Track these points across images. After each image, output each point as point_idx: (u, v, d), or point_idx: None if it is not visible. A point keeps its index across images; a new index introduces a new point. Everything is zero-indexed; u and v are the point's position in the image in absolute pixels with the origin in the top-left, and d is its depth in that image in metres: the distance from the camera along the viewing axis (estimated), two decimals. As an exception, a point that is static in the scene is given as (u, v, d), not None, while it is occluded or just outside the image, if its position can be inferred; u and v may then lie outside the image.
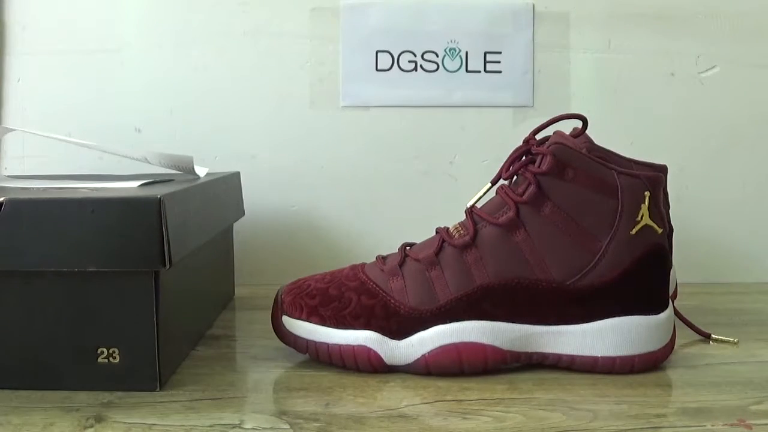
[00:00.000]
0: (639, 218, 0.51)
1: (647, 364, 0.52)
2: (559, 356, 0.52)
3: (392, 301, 0.53)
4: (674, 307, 0.63)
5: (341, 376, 0.52)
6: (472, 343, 0.51)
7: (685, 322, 0.62)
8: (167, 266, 0.47)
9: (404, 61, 0.83)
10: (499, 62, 0.83)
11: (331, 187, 0.84)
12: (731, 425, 0.43)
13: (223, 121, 0.83)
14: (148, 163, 0.67)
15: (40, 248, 0.46)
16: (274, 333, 0.55)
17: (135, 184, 0.56)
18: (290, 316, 0.54)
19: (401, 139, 0.84)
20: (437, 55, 0.83)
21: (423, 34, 0.83)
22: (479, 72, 0.83)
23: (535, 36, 0.83)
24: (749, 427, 0.43)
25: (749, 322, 0.67)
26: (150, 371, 0.48)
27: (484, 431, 0.43)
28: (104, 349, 0.48)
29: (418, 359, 0.52)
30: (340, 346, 0.52)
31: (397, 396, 0.48)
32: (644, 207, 0.51)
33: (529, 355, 0.53)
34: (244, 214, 0.77)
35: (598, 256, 0.52)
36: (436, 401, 0.47)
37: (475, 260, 0.53)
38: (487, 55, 0.83)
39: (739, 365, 0.55)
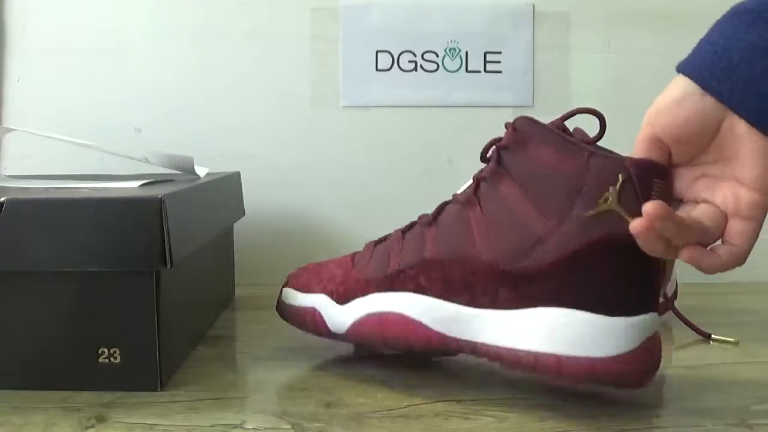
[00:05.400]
0: (602, 201, 0.44)
1: (580, 372, 0.44)
2: (487, 348, 0.47)
3: (353, 270, 0.53)
4: (674, 307, 0.63)
5: (342, 377, 0.52)
6: (395, 314, 0.49)
7: (685, 322, 0.62)
8: (168, 266, 0.47)
9: (404, 61, 0.83)
10: (499, 62, 0.83)
11: (331, 187, 0.84)
12: (731, 425, 0.43)
13: (223, 121, 0.83)
14: (149, 163, 0.67)
15: (41, 248, 0.46)
16: (274, 333, 0.55)
17: (135, 184, 0.56)
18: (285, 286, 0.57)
19: (401, 139, 0.84)
20: (437, 55, 0.83)
21: (423, 34, 0.83)
22: (479, 72, 0.83)
23: (535, 36, 0.83)
24: (750, 427, 0.43)
25: (749, 322, 0.67)
26: (151, 371, 0.48)
27: (484, 431, 0.43)
28: (105, 350, 0.48)
29: (348, 328, 0.51)
30: (298, 307, 0.54)
31: (398, 396, 0.48)
32: (613, 191, 0.44)
33: (458, 343, 0.48)
34: (244, 214, 0.77)
35: (540, 237, 0.46)
36: (437, 401, 0.47)
37: (431, 236, 0.50)
38: (487, 55, 0.83)
39: (739, 365, 0.55)
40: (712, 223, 0.43)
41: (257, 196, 0.81)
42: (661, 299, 0.58)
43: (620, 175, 0.44)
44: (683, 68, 0.43)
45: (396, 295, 0.50)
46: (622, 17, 0.83)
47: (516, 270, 0.46)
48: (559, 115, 0.49)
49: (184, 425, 0.43)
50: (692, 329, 0.61)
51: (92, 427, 0.43)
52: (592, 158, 0.45)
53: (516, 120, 0.49)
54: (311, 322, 0.53)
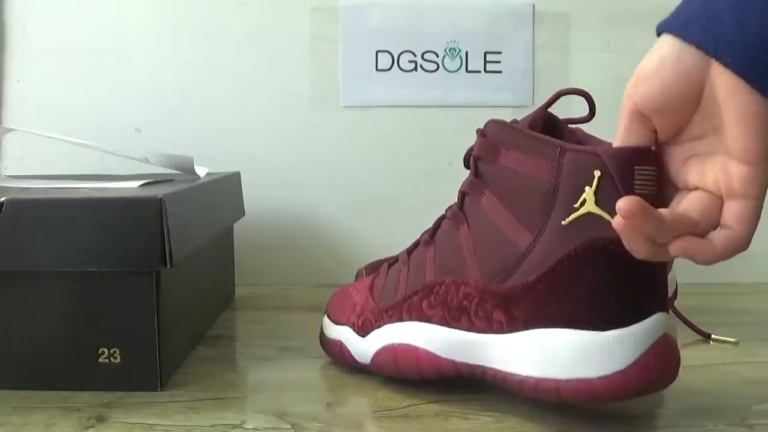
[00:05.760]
0: (578, 205, 0.40)
1: (581, 395, 0.41)
2: (495, 372, 0.44)
3: (370, 298, 0.52)
4: (674, 307, 0.63)
5: (342, 377, 0.52)
6: (405, 345, 0.48)
7: (685, 322, 0.62)
8: (168, 266, 0.47)
9: (404, 61, 0.83)
10: (499, 62, 0.83)
11: (331, 187, 0.84)
12: (731, 425, 0.43)
13: (223, 121, 0.83)
14: (149, 163, 0.67)
15: (41, 248, 0.46)
16: (274, 333, 0.55)
17: (136, 184, 0.56)
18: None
19: (401, 139, 0.84)
20: (437, 55, 0.83)
21: (423, 34, 0.83)
22: (479, 72, 0.83)
23: (535, 36, 0.83)
24: (750, 427, 0.43)
25: (749, 322, 0.67)
26: (151, 371, 0.48)
27: (484, 431, 0.43)
28: (105, 350, 0.48)
29: (370, 361, 0.50)
30: (330, 339, 0.54)
31: (399, 396, 0.48)
32: (589, 191, 0.40)
33: (471, 368, 0.45)
34: (244, 214, 0.77)
35: (523, 254, 0.42)
36: (437, 401, 0.47)
37: (431, 256, 0.48)
38: (487, 55, 0.83)
39: (739, 365, 0.55)
40: (704, 213, 0.38)
41: (257, 196, 0.81)
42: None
43: (596, 172, 0.40)
44: (664, 25, 0.39)
45: (404, 325, 0.48)
46: (622, 17, 0.83)
47: (504, 290, 0.43)
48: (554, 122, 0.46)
49: (184, 425, 0.43)
50: (692, 329, 0.61)
51: (92, 427, 0.43)
52: (564, 156, 0.41)
53: (486, 125, 0.46)
54: (339, 354, 0.53)
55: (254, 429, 0.43)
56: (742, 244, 0.38)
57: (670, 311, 0.62)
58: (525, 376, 0.42)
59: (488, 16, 0.83)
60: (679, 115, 0.39)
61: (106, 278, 0.47)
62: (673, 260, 0.42)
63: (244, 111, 0.83)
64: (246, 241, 0.81)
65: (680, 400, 0.48)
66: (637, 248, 0.38)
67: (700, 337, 0.61)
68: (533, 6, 0.83)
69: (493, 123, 0.46)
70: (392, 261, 0.53)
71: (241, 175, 0.78)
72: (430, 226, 0.52)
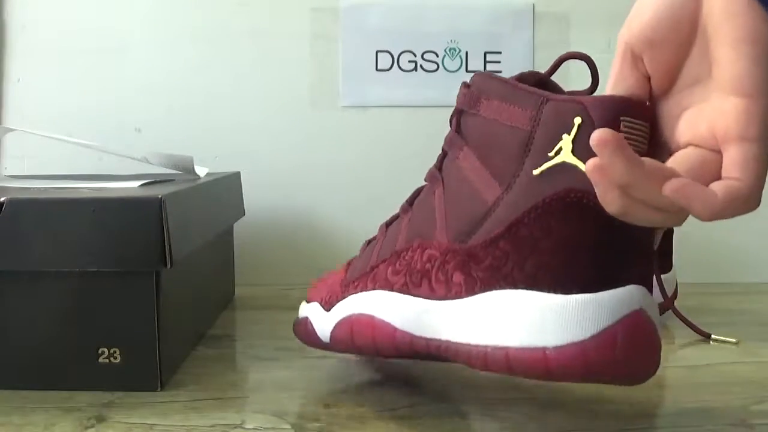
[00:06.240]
0: (553, 153, 0.36)
1: (532, 366, 0.35)
2: (448, 346, 0.39)
3: (344, 273, 0.49)
4: (674, 307, 0.63)
5: (342, 377, 0.52)
6: (363, 316, 0.44)
7: (685, 322, 0.62)
8: (168, 266, 0.47)
9: (404, 61, 0.83)
10: (499, 62, 0.83)
11: (331, 187, 0.84)
12: (731, 425, 0.43)
13: (223, 121, 0.83)
14: (148, 163, 0.67)
15: (41, 248, 0.46)
16: (274, 333, 0.55)
17: (135, 184, 0.56)
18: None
19: (401, 139, 0.84)
20: (437, 55, 0.83)
21: (423, 34, 0.83)
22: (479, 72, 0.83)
23: (535, 36, 0.83)
24: (750, 427, 0.43)
25: (749, 322, 0.67)
26: (151, 371, 0.48)
27: (484, 431, 0.43)
28: (105, 349, 0.48)
29: (329, 336, 0.47)
30: (298, 318, 0.52)
31: (398, 396, 0.48)
32: (567, 139, 0.36)
33: (426, 343, 0.41)
34: (244, 214, 0.77)
35: (490, 207, 0.38)
36: (437, 401, 0.47)
37: (405, 223, 0.45)
38: (487, 55, 0.83)
39: (739, 365, 0.55)
40: (695, 171, 0.33)
41: (257, 196, 0.81)
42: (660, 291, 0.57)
43: (576, 119, 0.36)
44: None
45: (368, 294, 0.45)
46: (622, 17, 0.82)
47: (465, 249, 0.39)
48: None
49: (184, 425, 0.43)
50: (692, 329, 0.61)
51: (92, 427, 0.43)
52: (545, 105, 0.37)
53: (472, 77, 0.43)
54: (305, 332, 0.50)
55: (254, 429, 0.43)
56: (748, 196, 0.32)
57: (670, 310, 0.62)
58: (475, 345, 0.37)
59: (488, 16, 0.83)
60: (672, 51, 0.35)
61: (106, 278, 0.47)
62: (658, 230, 0.37)
63: (244, 111, 0.83)
64: (246, 241, 0.81)
65: (680, 400, 0.48)
66: (610, 199, 0.32)
67: (700, 337, 0.61)
68: (533, 6, 0.83)
69: (479, 74, 0.43)
70: (371, 238, 0.51)
71: (241, 175, 0.78)
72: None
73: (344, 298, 0.47)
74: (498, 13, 0.83)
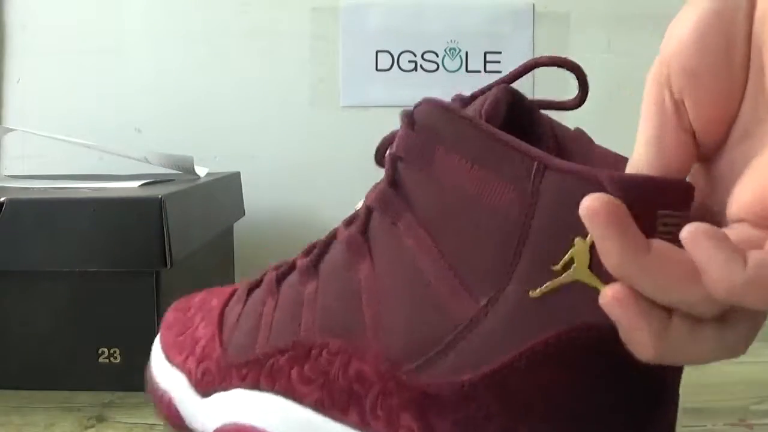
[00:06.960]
0: (560, 266, 0.24)
1: None
2: None
3: (217, 336, 0.36)
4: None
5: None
6: (258, 431, 0.32)
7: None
8: (168, 266, 0.47)
9: (404, 61, 0.83)
10: (499, 62, 0.83)
11: (331, 187, 0.84)
12: (731, 425, 0.43)
13: (223, 121, 0.83)
14: (148, 163, 0.67)
15: (41, 248, 0.46)
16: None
17: (135, 184, 0.56)
18: None
19: (401, 139, 0.84)
20: (437, 55, 0.83)
21: (423, 34, 0.83)
22: (479, 72, 0.83)
23: (535, 36, 0.83)
24: (750, 427, 0.43)
25: (749, 322, 0.67)
26: (151, 371, 0.48)
27: None
28: (105, 349, 0.48)
29: None
30: (157, 386, 0.38)
31: None
32: (581, 245, 0.24)
33: None
34: (244, 214, 0.77)
35: (457, 328, 0.27)
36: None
37: (310, 298, 0.32)
38: (487, 55, 0.83)
39: (739, 365, 0.55)
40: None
41: (257, 196, 0.81)
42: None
43: None
44: None
45: (261, 398, 0.32)
46: (622, 17, 0.83)
47: (420, 385, 0.27)
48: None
49: (184, 425, 0.43)
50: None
51: (92, 426, 0.43)
52: (544, 177, 0.25)
53: (417, 107, 0.30)
54: (167, 409, 0.37)
55: (254, 429, 0.43)
56: None
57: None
58: None
59: (488, 16, 0.83)
60: (723, 85, 0.25)
61: (106, 278, 0.47)
62: None
63: (244, 111, 0.83)
64: (246, 241, 0.81)
65: (680, 400, 0.48)
66: (640, 339, 0.22)
67: (700, 337, 0.61)
68: (533, 6, 0.83)
69: (429, 104, 0.30)
70: (254, 284, 0.37)
71: (241, 175, 0.78)
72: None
73: (227, 389, 0.34)
74: (498, 13, 0.83)
